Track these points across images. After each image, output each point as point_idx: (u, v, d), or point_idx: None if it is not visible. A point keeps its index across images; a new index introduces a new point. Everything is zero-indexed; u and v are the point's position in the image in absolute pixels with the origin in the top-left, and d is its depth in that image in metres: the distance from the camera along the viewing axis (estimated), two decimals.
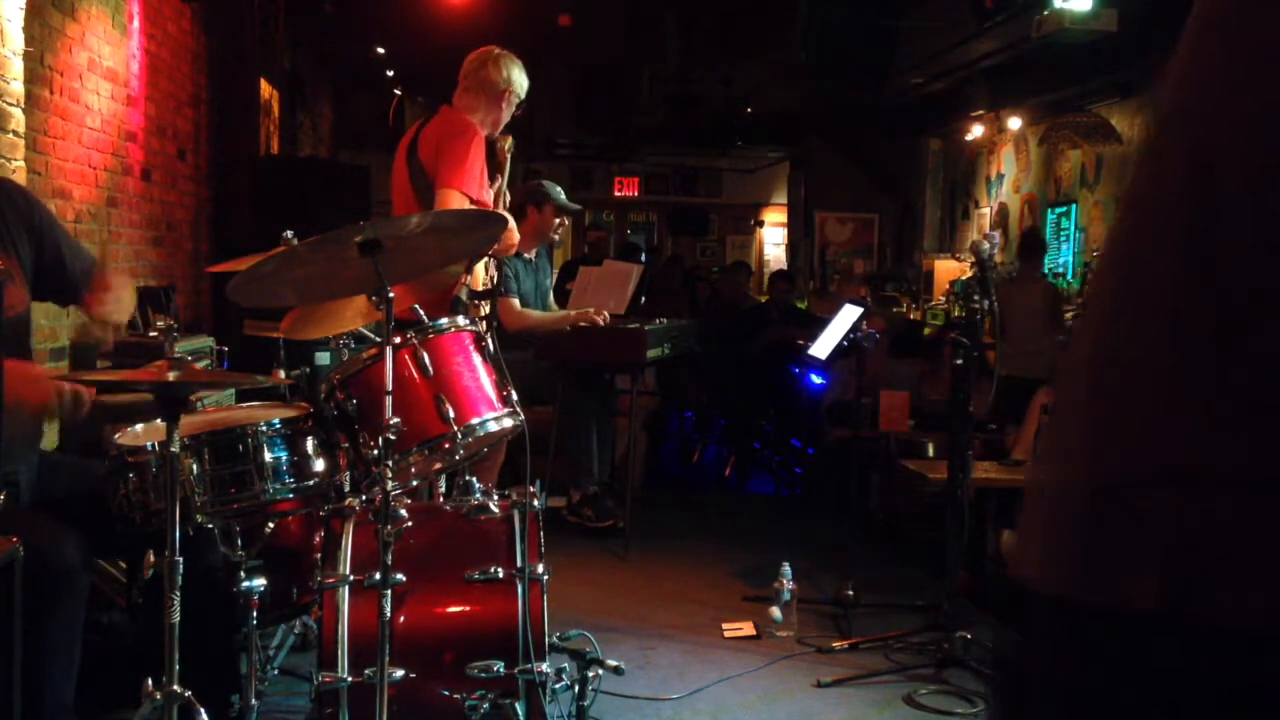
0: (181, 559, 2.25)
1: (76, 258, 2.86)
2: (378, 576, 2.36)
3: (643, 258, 5.49)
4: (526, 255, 5.23)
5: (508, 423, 2.77)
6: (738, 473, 7.51)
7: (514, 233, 4.08)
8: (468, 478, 2.87)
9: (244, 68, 7.72)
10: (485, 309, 3.33)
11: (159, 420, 2.58)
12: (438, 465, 2.95)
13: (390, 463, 2.37)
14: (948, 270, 11.24)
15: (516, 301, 5.17)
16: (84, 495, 2.64)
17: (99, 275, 2.83)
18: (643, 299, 5.63)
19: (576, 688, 2.82)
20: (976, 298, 3.77)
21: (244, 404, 3.27)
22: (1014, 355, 6.68)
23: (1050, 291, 7.31)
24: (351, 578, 2.56)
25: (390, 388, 2.37)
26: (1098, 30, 6.56)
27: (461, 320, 2.82)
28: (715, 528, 5.76)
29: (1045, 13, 6.62)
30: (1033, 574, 0.81)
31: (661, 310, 6.05)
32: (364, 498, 2.73)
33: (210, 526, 2.62)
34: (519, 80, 4.17)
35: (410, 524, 2.49)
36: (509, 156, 4.11)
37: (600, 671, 2.83)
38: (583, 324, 5.09)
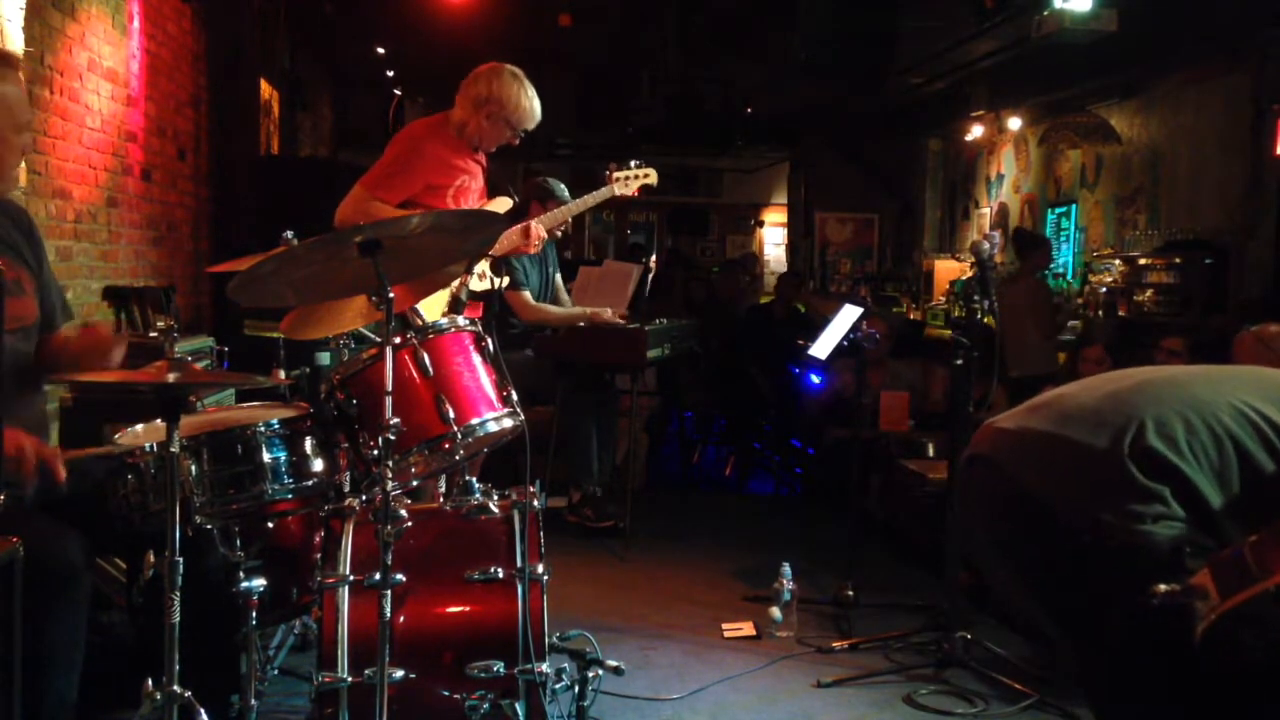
0: (181, 559, 2.25)
1: (59, 295, 2.87)
2: (378, 576, 2.36)
3: (652, 260, 5.45)
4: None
5: (508, 423, 2.77)
6: (738, 473, 7.49)
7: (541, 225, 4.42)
8: (467, 478, 2.87)
9: (244, 68, 7.72)
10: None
11: (159, 420, 2.58)
12: (438, 465, 2.95)
13: (390, 463, 2.37)
14: (948, 270, 11.24)
15: (529, 294, 5.19)
16: (84, 495, 2.64)
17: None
18: (644, 298, 5.62)
19: (576, 688, 2.82)
20: (976, 298, 3.77)
21: (244, 404, 3.27)
22: (1015, 355, 6.67)
23: (1035, 289, 7.22)
24: (351, 578, 2.56)
25: (390, 388, 2.37)
26: (1098, 30, 6.55)
27: (461, 320, 2.82)
28: (715, 528, 5.76)
29: (1045, 13, 6.61)
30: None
31: (661, 310, 6.05)
32: (364, 498, 2.73)
33: (210, 527, 2.62)
34: (506, 96, 4.03)
35: (410, 524, 2.49)
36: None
37: (600, 671, 2.83)
38: (597, 324, 5.08)
